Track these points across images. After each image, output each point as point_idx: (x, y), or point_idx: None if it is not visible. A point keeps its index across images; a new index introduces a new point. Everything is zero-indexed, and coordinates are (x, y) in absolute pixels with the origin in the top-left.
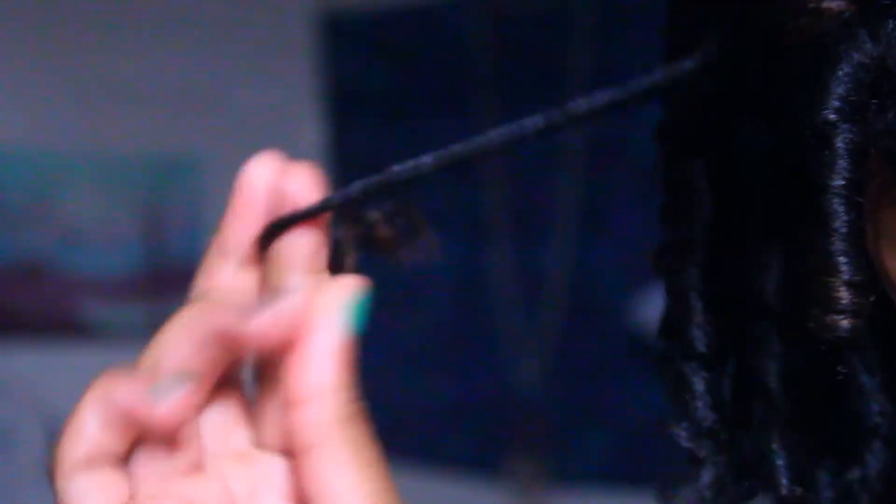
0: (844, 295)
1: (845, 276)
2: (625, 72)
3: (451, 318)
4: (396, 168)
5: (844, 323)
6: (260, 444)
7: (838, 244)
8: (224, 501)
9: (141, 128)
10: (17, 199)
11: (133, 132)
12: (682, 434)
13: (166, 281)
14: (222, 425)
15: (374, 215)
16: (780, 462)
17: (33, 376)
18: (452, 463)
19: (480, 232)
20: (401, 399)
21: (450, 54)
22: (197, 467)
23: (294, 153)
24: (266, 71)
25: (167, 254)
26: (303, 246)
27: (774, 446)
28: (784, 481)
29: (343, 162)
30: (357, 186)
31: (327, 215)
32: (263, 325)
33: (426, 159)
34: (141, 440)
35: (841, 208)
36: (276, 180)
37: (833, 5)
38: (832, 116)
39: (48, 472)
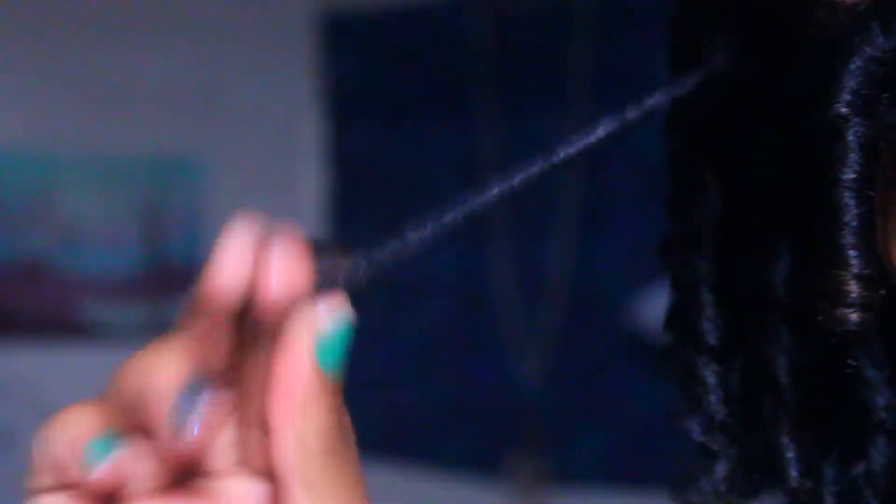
0: (854, 288)
1: (855, 270)
2: (625, 72)
3: (452, 317)
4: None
5: (854, 316)
6: (238, 465)
7: (849, 238)
8: None
9: (141, 128)
10: (17, 199)
11: (133, 132)
12: (694, 428)
13: (166, 281)
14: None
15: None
16: (790, 455)
17: (33, 376)
18: (452, 463)
19: (480, 232)
20: (401, 399)
21: (450, 54)
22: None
23: (294, 153)
24: (266, 71)
25: (167, 254)
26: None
27: (784, 439)
28: (794, 474)
29: (343, 162)
30: (370, 254)
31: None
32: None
33: (429, 226)
34: None
35: (852, 202)
36: (260, 245)
37: None
38: (844, 110)
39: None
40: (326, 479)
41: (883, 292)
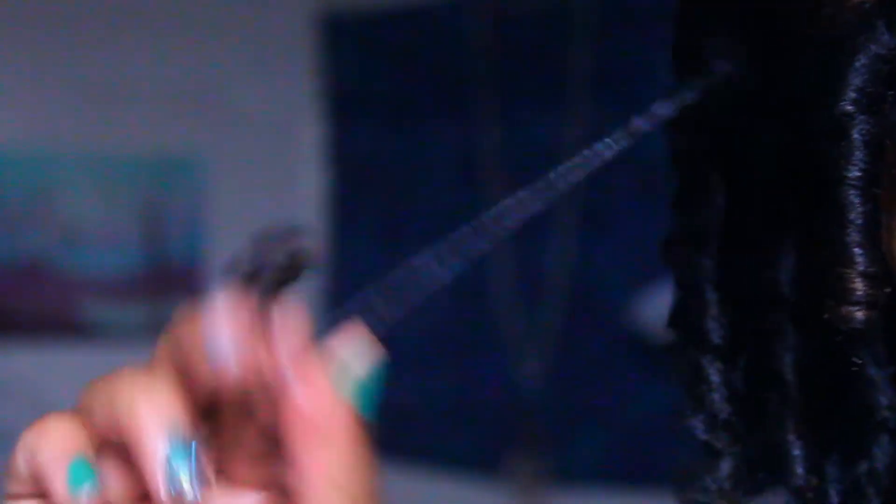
0: (859, 286)
1: (860, 268)
2: (625, 72)
3: (452, 317)
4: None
5: (859, 314)
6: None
7: (854, 235)
8: None
9: (141, 128)
10: (17, 199)
11: (133, 132)
12: (698, 426)
13: (166, 281)
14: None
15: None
16: (796, 453)
17: (33, 376)
18: (452, 463)
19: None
20: (401, 399)
21: (450, 54)
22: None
23: (294, 153)
24: (266, 71)
25: (167, 254)
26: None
27: (790, 437)
28: (800, 471)
29: (343, 162)
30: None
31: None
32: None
33: (429, 258)
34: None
35: (857, 200)
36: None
37: None
38: (849, 108)
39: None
40: None
41: (888, 290)
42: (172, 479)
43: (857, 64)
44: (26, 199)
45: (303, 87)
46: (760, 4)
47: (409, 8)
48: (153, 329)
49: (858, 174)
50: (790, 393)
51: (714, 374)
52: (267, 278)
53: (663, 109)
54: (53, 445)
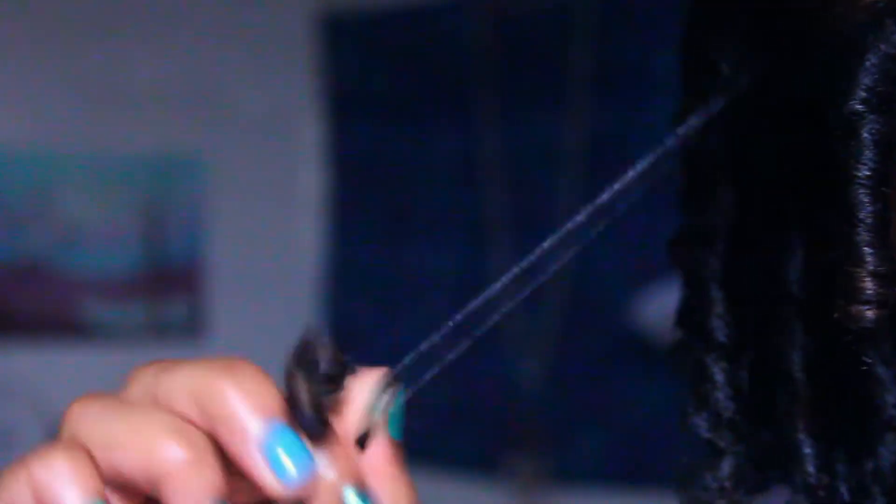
0: (869, 285)
1: (870, 267)
2: (625, 72)
3: (452, 317)
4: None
5: (869, 313)
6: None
7: (864, 234)
8: None
9: (141, 128)
10: (17, 199)
11: (133, 132)
12: (701, 425)
13: (166, 281)
14: None
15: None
16: (807, 451)
17: (33, 376)
18: (452, 463)
19: (481, 232)
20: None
21: (450, 54)
22: None
23: (294, 153)
24: (266, 71)
25: (167, 254)
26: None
27: (800, 435)
28: (811, 469)
29: (343, 162)
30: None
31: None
32: None
33: (437, 337)
34: None
35: (867, 199)
36: None
37: None
38: (859, 107)
39: None
40: None
41: None
42: (276, 462)
43: (868, 63)
44: (26, 199)
45: (303, 87)
46: (770, 4)
47: (409, 8)
48: (153, 329)
49: (868, 173)
50: (799, 391)
51: (718, 373)
52: (311, 403)
53: (688, 126)
54: (69, 490)
